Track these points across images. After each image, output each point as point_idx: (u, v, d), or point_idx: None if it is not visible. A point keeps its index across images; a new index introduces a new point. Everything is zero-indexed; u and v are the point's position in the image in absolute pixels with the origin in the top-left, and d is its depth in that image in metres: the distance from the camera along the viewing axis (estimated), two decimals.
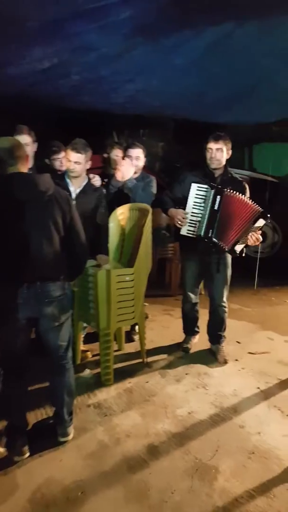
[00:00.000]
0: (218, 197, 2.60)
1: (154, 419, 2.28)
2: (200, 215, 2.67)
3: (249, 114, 4.14)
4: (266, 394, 2.53)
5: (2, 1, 2.55)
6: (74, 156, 2.63)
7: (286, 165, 7.17)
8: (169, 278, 4.54)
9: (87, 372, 2.76)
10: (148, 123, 5.37)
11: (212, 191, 2.61)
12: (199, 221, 2.68)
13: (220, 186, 2.62)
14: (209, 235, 2.64)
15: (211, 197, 2.62)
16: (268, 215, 2.52)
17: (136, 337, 3.23)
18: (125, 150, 3.13)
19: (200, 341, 3.18)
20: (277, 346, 3.20)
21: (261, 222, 2.54)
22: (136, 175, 3.13)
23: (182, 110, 4.11)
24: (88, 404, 2.43)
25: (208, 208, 2.63)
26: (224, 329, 3.00)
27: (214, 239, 2.64)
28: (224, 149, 2.66)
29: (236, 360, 2.96)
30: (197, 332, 3.19)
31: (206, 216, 2.65)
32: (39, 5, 2.81)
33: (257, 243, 2.60)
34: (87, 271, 2.63)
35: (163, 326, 3.55)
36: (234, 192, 2.58)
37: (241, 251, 2.63)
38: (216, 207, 2.61)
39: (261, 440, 2.12)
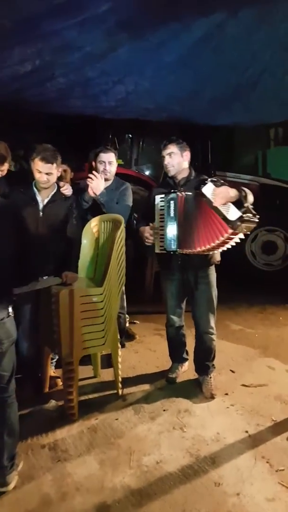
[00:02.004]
0: (172, 202, 2.32)
1: (114, 469, 1.92)
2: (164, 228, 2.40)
3: (252, 114, 3.76)
4: (254, 441, 2.11)
5: None
6: (45, 167, 2.37)
7: None
8: None
9: (52, 403, 2.45)
10: (152, 129, 5.09)
11: (167, 198, 2.35)
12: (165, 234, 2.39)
13: (173, 190, 2.35)
14: (172, 246, 2.32)
15: (166, 205, 2.35)
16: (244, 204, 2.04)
17: None
18: (95, 155, 2.86)
19: (190, 369, 2.79)
20: (278, 378, 2.77)
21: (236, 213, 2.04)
22: (109, 183, 2.87)
23: (178, 112, 3.79)
24: (43, 444, 2.11)
25: (167, 218, 2.35)
26: (213, 358, 2.61)
27: (178, 250, 2.32)
28: (178, 152, 2.41)
29: (226, 394, 2.55)
30: (186, 359, 2.81)
31: (167, 227, 2.35)
32: (9, 1, 2.60)
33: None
34: (50, 290, 2.34)
35: (150, 349, 3.20)
36: (186, 192, 2.28)
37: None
38: (172, 214, 2.32)
39: (240, 504, 1.71)
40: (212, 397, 2.48)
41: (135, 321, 3.75)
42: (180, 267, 2.43)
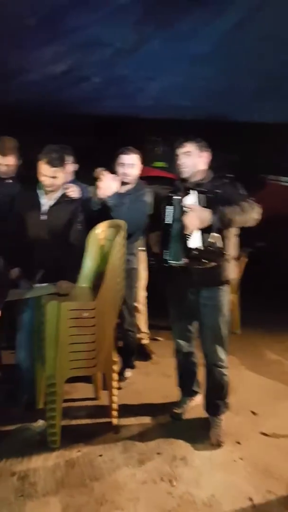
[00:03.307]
0: (169, 208, 2.03)
1: None
2: None
3: None
4: None
5: None
6: (49, 170, 2.22)
7: None
8: None
9: (39, 423, 2.22)
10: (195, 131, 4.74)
11: (167, 203, 2.06)
12: None
13: (171, 195, 2.06)
14: (166, 257, 2.01)
15: (166, 210, 2.04)
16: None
17: (123, 384, 2.62)
18: (116, 157, 2.62)
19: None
20: None
21: None
22: (129, 187, 2.60)
23: (216, 109, 3.44)
24: (14, 471, 1.88)
25: (166, 225, 2.04)
26: (224, 396, 2.19)
27: (170, 261, 2.01)
28: (195, 152, 2.10)
29: (238, 442, 2.12)
30: (196, 392, 2.41)
31: (164, 235, 2.05)
32: None
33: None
34: (39, 301, 2.14)
35: (164, 374, 2.83)
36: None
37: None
38: (170, 221, 2.02)
39: None
40: (218, 444, 2.07)
41: (157, 337, 3.42)
42: (182, 284, 2.11)
